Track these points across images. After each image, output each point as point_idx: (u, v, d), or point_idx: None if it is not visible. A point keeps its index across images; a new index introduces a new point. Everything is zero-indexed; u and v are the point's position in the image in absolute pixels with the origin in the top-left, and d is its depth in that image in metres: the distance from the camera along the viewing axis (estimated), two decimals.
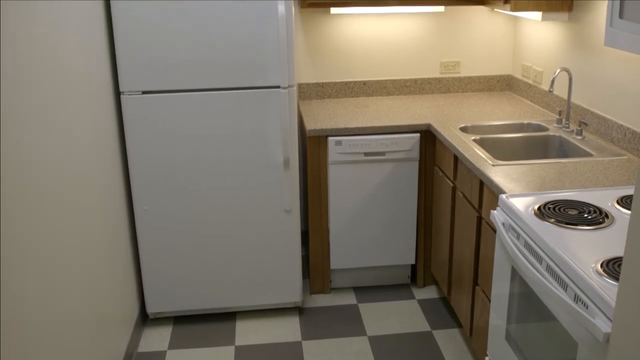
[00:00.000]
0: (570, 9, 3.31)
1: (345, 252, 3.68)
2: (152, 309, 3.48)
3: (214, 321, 3.54)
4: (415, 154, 3.51)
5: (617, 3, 1.98)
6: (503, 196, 2.38)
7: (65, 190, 2.38)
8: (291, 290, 3.54)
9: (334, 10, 3.75)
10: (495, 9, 3.89)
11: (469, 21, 4.08)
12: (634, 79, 2.84)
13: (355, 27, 4.00)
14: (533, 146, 3.21)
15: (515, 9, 3.23)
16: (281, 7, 3.06)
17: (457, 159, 3.12)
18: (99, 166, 2.83)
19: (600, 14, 3.07)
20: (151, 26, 3.06)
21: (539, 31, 3.75)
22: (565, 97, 3.45)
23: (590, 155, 2.88)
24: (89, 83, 2.74)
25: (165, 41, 3.09)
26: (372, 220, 3.63)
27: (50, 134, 2.25)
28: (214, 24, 3.09)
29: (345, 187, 3.55)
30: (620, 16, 1.96)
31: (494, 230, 2.61)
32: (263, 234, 3.42)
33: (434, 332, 3.40)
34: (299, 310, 3.62)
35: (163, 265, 3.41)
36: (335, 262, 3.70)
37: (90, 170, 2.70)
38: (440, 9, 3.81)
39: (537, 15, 3.34)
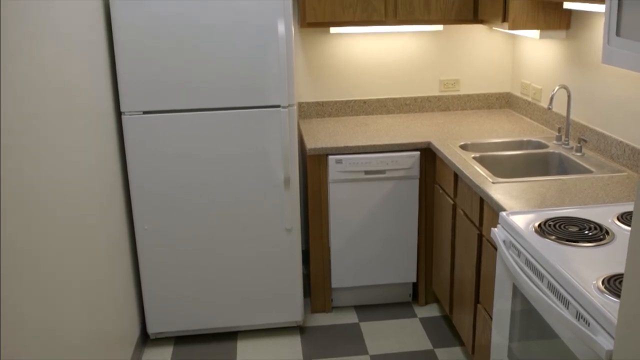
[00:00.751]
0: (567, 26, 3.33)
1: (346, 271, 3.68)
2: (152, 329, 3.47)
3: (215, 341, 3.53)
4: (416, 172, 3.52)
5: (614, 21, 2.00)
6: (503, 214, 2.38)
7: (66, 209, 2.38)
8: (292, 309, 3.53)
9: (333, 29, 3.77)
10: (494, 28, 3.92)
11: (467, 40, 4.11)
12: (632, 96, 2.85)
13: (355, 46, 4.03)
14: (533, 163, 3.22)
15: (513, 27, 3.25)
16: (281, 27, 3.09)
17: (457, 177, 3.13)
18: (100, 186, 2.84)
19: (598, 31, 3.09)
20: (152, 47, 3.08)
21: (537, 49, 3.77)
22: (565, 114, 3.46)
23: (590, 171, 2.88)
24: (90, 104, 2.76)
25: (166, 62, 3.11)
26: (373, 238, 3.63)
27: (51, 153, 2.26)
28: (215, 44, 3.11)
29: (346, 205, 3.55)
30: (617, 34, 1.97)
31: (495, 248, 2.61)
32: (264, 252, 3.42)
33: (436, 350, 3.38)
34: (300, 329, 3.61)
35: (164, 285, 3.40)
36: (337, 281, 3.70)
37: (91, 190, 2.71)
38: (439, 27, 3.84)
39: (535, 33, 3.36)
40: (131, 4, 3.03)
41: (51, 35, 2.32)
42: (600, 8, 2.62)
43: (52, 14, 2.34)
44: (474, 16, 3.69)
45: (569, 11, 3.31)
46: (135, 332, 3.35)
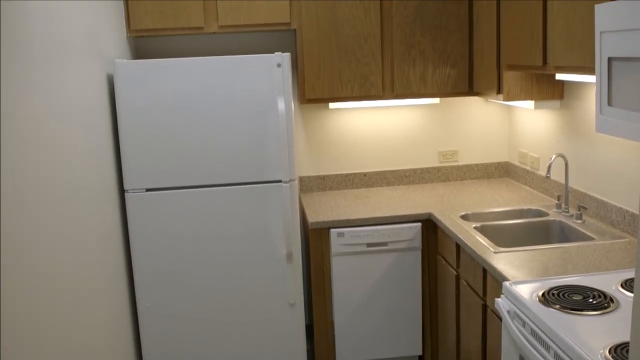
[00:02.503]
0: (561, 97, 3.40)
1: (351, 345, 3.63)
2: None
3: None
4: (418, 243, 3.52)
5: (605, 91, 2.05)
6: (507, 283, 2.37)
7: (68, 286, 2.38)
8: None
9: (332, 105, 3.85)
10: (489, 99, 4.00)
11: (464, 111, 4.18)
12: (628, 162, 2.89)
13: (354, 120, 4.10)
14: (534, 232, 3.23)
15: (508, 98, 3.32)
16: (281, 104, 3.16)
17: (459, 247, 3.13)
18: (102, 263, 2.84)
19: (590, 100, 3.15)
20: (155, 126, 3.15)
21: (533, 119, 3.84)
22: (563, 181, 3.49)
23: (591, 239, 2.88)
24: (94, 182, 2.79)
25: (169, 140, 3.17)
26: (377, 311, 3.60)
27: (54, 230, 2.28)
28: (217, 122, 3.18)
29: (349, 278, 3.54)
30: (609, 103, 2.02)
31: (500, 318, 2.59)
32: (267, 328, 3.38)
33: None
34: None
35: None
36: (341, 356, 3.64)
37: (94, 267, 2.71)
38: (436, 100, 3.92)
39: (529, 103, 3.43)
40: (135, 86, 3.11)
41: (57, 115, 2.37)
42: (592, 79, 2.69)
43: (60, 94, 2.40)
44: (470, 88, 3.78)
45: (562, 82, 3.39)
46: None
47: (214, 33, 3.70)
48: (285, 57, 3.19)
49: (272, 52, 3.90)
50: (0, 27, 1.91)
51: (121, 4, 3.44)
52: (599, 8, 2.01)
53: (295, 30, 3.73)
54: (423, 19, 3.68)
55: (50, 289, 2.19)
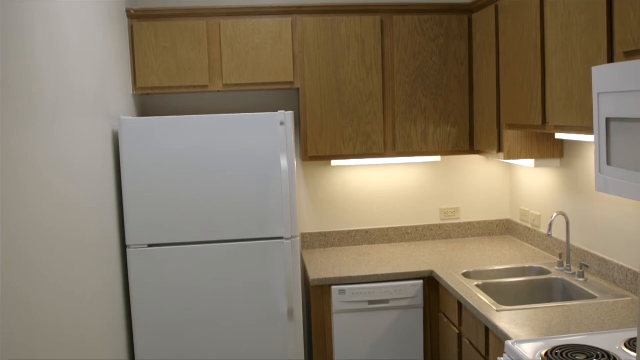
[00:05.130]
0: (561, 155, 3.44)
1: None
2: None
3: None
4: (419, 300, 3.50)
5: (604, 151, 2.08)
6: (509, 342, 2.35)
7: (67, 341, 2.36)
8: None
9: (334, 162, 3.89)
10: (490, 158, 4.04)
11: (465, 169, 4.22)
12: (628, 220, 2.90)
13: (356, 177, 4.13)
14: (536, 290, 3.21)
15: (508, 157, 3.36)
16: (283, 162, 3.19)
17: (461, 305, 3.12)
18: (102, 318, 2.83)
19: (590, 159, 3.18)
20: (158, 183, 3.17)
21: (534, 177, 3.87)
22: (565, 239, 3.49)
23: (594, 297, 2.87)
24: (97, 237, 2.80)
25: (171, 196, 3.19)
26: None
27: (55, 285, 2.27)
28: (219, 179, 3.21)
29: (351, 336, 3.50)
30: (608, 163, 2.05)
31: None
32: None
33: None
34: None
35: None
36: None
37: (93, 322, 2.69)
38: (437, 158, 3.95)
39: (530, 162, 3.46)
40: (139, 143, 3.15)
41: (63, 171, 2.40)
42: (590, 138, 2.73)
43: (66, 149, 2.43)
44: (471, 147, 3.82)
45: (562, 141, 3.43)
46: None
47: (218, 91, 3.77)
48: (288, 116, 3.24)
49: (276, 110, 3.97)
50: (8, 84, 1.96)
51: (128, 62, 3.52)
52: (596, 70, 2.06)
53: (298, 88, 3.80)
54: (424, 79, 3.75)
55: (49, 343, 2.17)
